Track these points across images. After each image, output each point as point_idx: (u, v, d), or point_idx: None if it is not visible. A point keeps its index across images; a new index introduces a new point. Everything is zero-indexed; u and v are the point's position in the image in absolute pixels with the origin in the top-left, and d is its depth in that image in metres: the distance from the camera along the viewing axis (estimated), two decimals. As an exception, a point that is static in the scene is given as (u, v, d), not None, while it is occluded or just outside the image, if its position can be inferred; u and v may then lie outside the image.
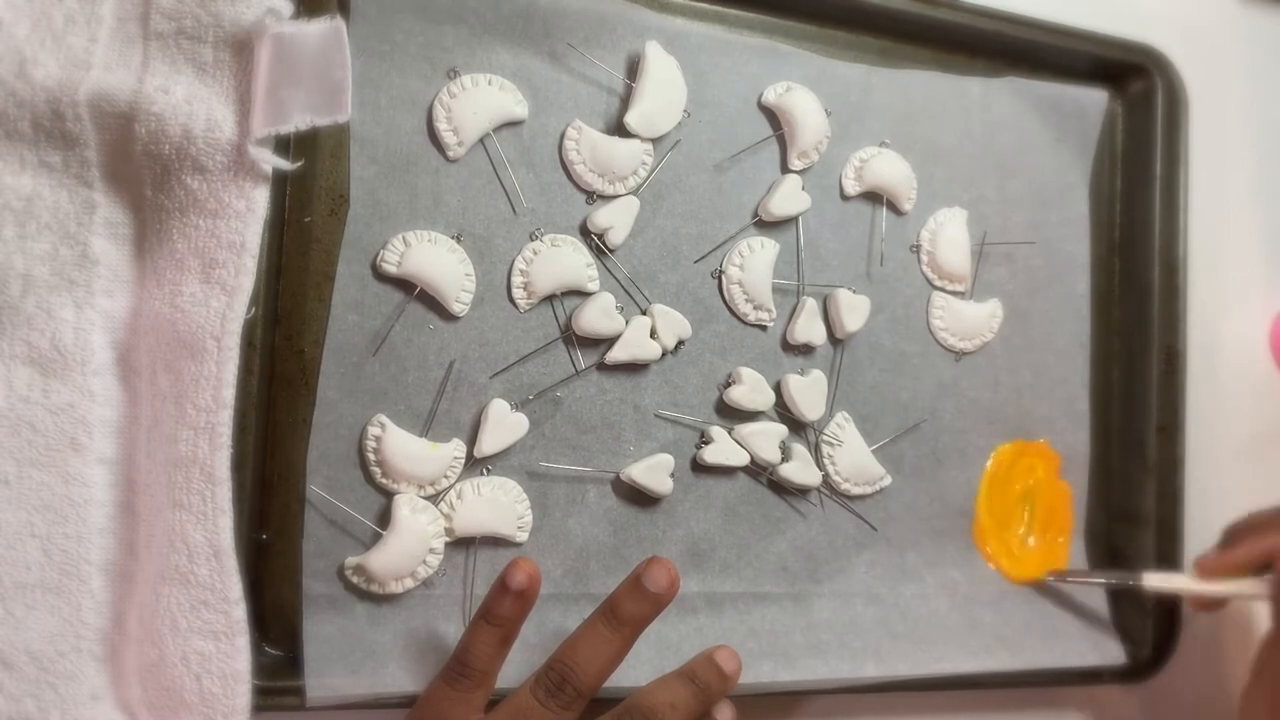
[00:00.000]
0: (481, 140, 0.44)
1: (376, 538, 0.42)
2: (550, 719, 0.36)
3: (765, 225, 0.48)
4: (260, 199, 0.38)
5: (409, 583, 0.42)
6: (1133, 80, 0.56)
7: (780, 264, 0.48)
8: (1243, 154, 0.60)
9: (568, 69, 0.45)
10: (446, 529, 0.43)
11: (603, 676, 0.38)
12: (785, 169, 0.49)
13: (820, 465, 0.49)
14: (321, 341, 0.42)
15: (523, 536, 0.44)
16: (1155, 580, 0.51)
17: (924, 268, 0.51)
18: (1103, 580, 0.53)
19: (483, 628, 0.38)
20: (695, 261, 0.47)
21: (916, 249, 0.51)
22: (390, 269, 0.42)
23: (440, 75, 0.44)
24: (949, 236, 0.51)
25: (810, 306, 0.48)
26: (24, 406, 0.36)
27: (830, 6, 0.50)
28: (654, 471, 0.45)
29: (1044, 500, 0.54)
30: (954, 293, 0.52)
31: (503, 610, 0.38)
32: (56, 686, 0.35)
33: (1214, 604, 0.52)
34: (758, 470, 0.48)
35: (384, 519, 0.42)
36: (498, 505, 0.43)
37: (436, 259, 0.43)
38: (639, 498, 0.46)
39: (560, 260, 0.45)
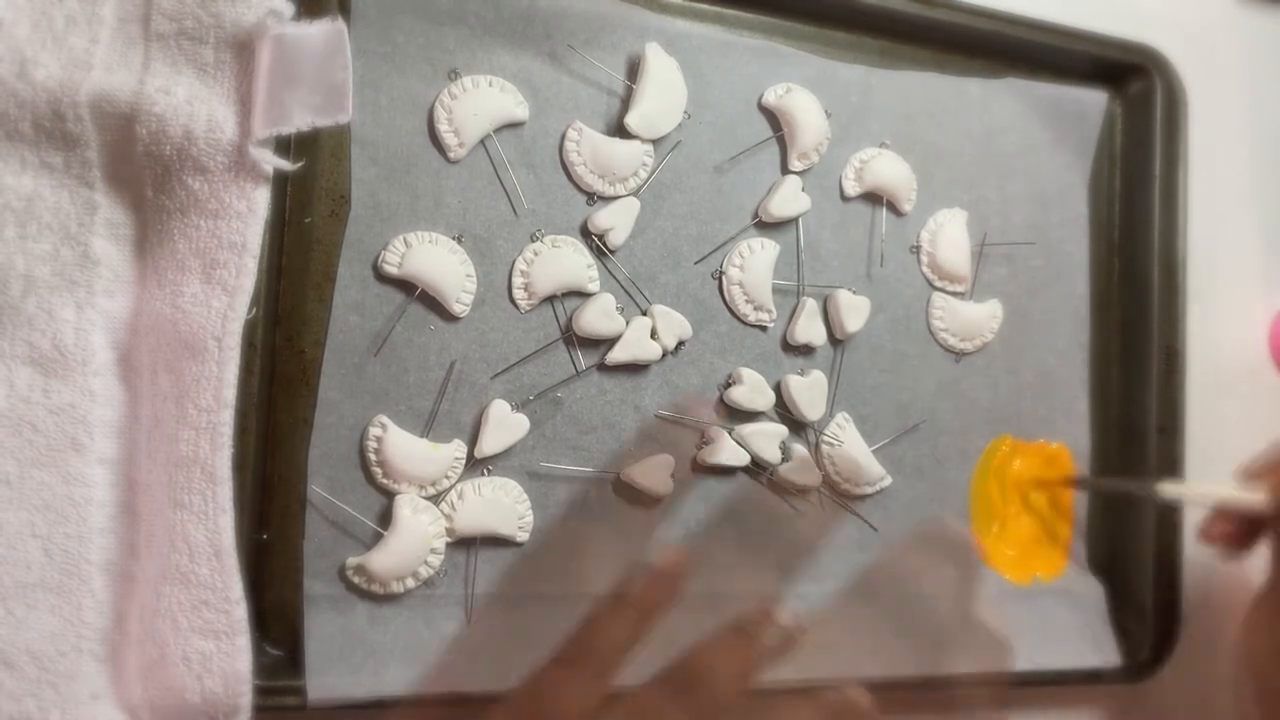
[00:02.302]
0: (482, 141, 0.44)
1: (377, 538, 0.42)
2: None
3: (765, 226, 0.48)
4: (261, 200, 0.38)
5: (410, 583, 0.42)
6: (1132, 81, 0.56)
7: (780, 265, 0.48)
8: (1242, 154, 0.60)
9: (568, 70, 0.45)
10: (447, 529, 0.43)
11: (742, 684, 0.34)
12: (785, 170, 0.49)
13: (820, 465, 0.49)
14: (322, 342, 0.42)
15: (523, 536, 0.44)
16: (1171, 490, 0.49)
17: (924, 268, 0.51)
18: (1119, 485, 0.53)
19: (618, 612, 0.34)
20: (695, 262, 0.47)
21: (916, 250, 0.51)
22: (391, 270, 0.42)
23: (441, 76, 0.44)
24: (949, 237, 0.51)
25: (810, 307, 0.48)
26: (25, 407, 0.36)
27: (830, 7, 0.50)
28: (654, 472, 0.46)
29: (1044, 499, 0.54)
30: (954, 293, 0.52)
31: (645, 591, 0.34)
32: (57, 686, 0.35)
33: (1238, 538, 0.45)
34: (758, 470, 0.48)
35: (385, 519, 0.42)
36: (498, 505, 0.43)
37: (437, 260, 0.43)
38: (639, 498, 0.46)
39: (561, 261, 0.45)
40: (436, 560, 0.42)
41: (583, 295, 0.45)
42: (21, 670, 0.34)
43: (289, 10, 0.38)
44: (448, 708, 0.41)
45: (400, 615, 0.42)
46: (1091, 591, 0.54)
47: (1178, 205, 0.55)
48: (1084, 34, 0.54)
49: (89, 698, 0.35)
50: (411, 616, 0.42)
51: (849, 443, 0.49)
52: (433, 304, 0.43)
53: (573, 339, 0.45)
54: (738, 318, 0.48)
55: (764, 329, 0.48)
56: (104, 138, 0.36)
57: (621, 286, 0.46)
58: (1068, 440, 0.54)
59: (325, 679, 0.40)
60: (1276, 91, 0.61)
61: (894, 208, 0.51)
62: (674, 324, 0.46)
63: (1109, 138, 0.56)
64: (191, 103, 0.37)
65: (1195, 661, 0.55)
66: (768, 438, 0.47)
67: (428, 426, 0.43)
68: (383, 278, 0.43)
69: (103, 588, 0.36)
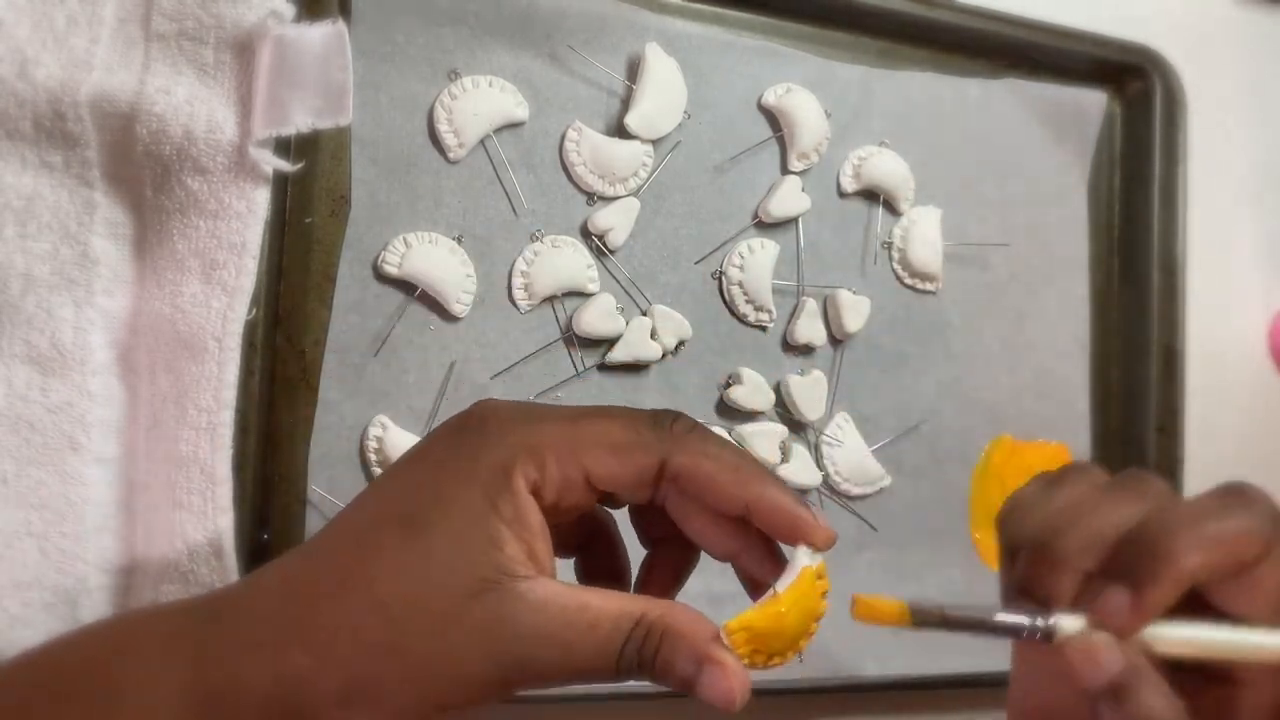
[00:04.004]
0: (482, 142, 0.44)
1: (377, 538, 0.42)
2: None
3: (765, 226, 0.48)
4: (261, 200, 0.38)
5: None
6: (1131, 81, 0.56)
7: (780, 265, 0.48)
8: (1241, 154, 0.60)
9: (568, 71, 0.45)
10: (447, 529, 0.43)
11: None
12: (785, 170, 0.49)
13: (820, 465, 0.49)
14: (323, 342, 0.42)
15: (523, 537, 0.44)
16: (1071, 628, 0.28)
17: (894, 265, 0.51)
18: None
19: None
20: (695, 262, 0.47)
21: (888, 246, 0.51)
22: (391, 270, 0.42)
23: (441, 77, 0.44)
24: (921, 235, 0.51)
25: (810, 307, 0.48)
26: (22, 405, 0.36)
27: (830, 7, 0.50)
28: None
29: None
30: (924, 292, 0.52)
31: None
32: (55, 686, 0.35)
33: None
34: (758, 471, 0.48)
35: (384, 519, 0.42)
36: (498, 506, 0.43)
37: (437, 260, 0.43)
38: (639, 498, 0.46)
39: (561, 261, 0.45)
40: (436, 560, 0.42)
41: (583, 295, 0.45)
42: (19, 670, 0.34)
43: (289, 11, 0.38)
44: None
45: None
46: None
47: (1177, 205, 0.55)
48: (1083, 34, 0.54)
49: (87, 698, 0.35)
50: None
51: (849, 443, 0.49)
52: (433, 304, 0.43)
53: (573, 339, 0.45)
54: (738, 318, 0.48)
55: (764, 329, 0.48)
56: (104, 137, 0.36)
57: (621, 286, 0.46)
58: (1068, 441, 0.54)
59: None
60: (1276, 91, 0.61)
61: (891, 206, 0.51)
62: (674, 324, 0.46)
63: (1108, 138, 0.56)
64: (191, 103, 0.37)
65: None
66: (768, 438, 0.47)
67: (428, 426, 0.43)
68: (383, 278, 0.43)
69: (99, 587, 0.36)
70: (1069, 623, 0.27)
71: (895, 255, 0.51)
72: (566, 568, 0.32)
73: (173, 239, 0.37)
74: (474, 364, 0.44)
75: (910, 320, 0.51)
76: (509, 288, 0.45)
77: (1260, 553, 0.27)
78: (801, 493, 0.48)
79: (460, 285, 0.43)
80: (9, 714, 0.27)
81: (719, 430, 0.47)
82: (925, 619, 0.29)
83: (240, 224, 0.38)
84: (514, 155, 0.45)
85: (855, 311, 0.49)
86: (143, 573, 0.36)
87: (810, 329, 0.48)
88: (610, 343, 0.45)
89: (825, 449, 0.49)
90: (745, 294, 0.47)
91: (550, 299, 0.45)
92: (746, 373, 0.47)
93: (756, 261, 0.47)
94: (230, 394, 0.37)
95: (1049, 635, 0.28)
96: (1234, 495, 0.28)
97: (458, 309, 0.43)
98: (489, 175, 0.44)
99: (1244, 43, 0.61)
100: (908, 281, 0.51)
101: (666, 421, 0.29)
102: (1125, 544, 0.27)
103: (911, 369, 0.51)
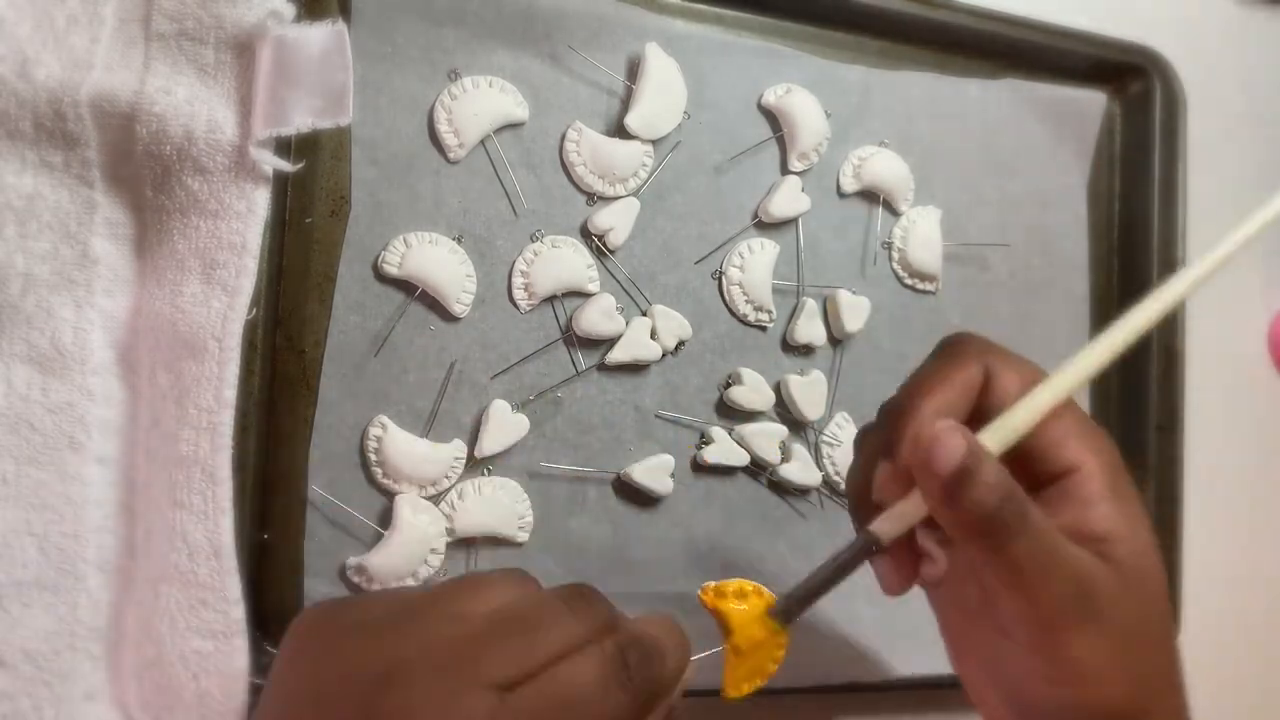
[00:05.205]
0: (482, 142, 0.44)
1: (378, 538, 0.42)
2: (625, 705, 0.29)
3: (765, 226, 0.48)
4: (261, 200, 0.38)
5: (410, 583, 0.42)
6: (1131, 81, 0.56)
7: (780, 265, 0.48)
8: (1241, 154, 0.60)
9: (568, 71, 0.45)
10: (448, 529, 0.43)
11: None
12: (785, 170, 0.49)
13: (820, 465, 0.49)
14: (323, 342, 0.42)
15: (523, 536, 0.44)
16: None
17: (894, 265, 0.51)
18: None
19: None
20: (695, 262, 0.47)
21: (888, 246, 0.51)
22: (391, 270, 0.42)
23: (441, 77, 0.44)
24: (921, 235, 0.51)
25: (810, 307, 0.48)
26: (23, 405, 0.36)
27: (830, 8, 0.50)
28: (654, 472, 0.45)
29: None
30: (924, 292, 0.52)
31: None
32: (52, 685, 0.35)
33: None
34: (758, 470, 0.48)
35: (385, 519, 0.42)
36: (498, 505, 0.43)
37: (437, 260, 0.43)
38: (639, 498, 0.46)
39: (561, 261, 0.45)
40: (437, 560, 0.42)
41: (583, 295, 0.45)
42: (16, 669, 0.34)
43: (290, 11, 0.38)
44: None
45: (400, 615, 0.42)
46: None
47: (1177, 205, 0.55)
48: (1083, 35, 0.54)
49: (83, 697, 0.35)
50: (411, 617, 0.42)
51: (848, 443, 0.49)
52: (433, 304, 0.43)
53: (573, 339, 0.45)
54: (738, 318, 0.48)
55: (764, 329, 0.48)
56: (104, 137, 0.36)
57: (621, 286, 0.46)
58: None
59: (325, 679, 0.40)
60: (1276, 91, 0.61)
61: (891, 207, 0.51)
62: (674, 324, 0.46)
63: (1108, 138, 0.56)
64: (192, 103, 0.37)
65: (1194, 662, 0.54)
66: (768, 438, 0.47)
67: (428, 426, 0.43)
68: (383, 278, 0.43)
69: (99, 586, 0.36)
70: (882, 524, 0.33)
71: (895, 255, 0.51)
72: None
73: (173, 239, 0.38)
74: (474, 364, 0.44)
75: (910, 320, 0.51)
76: (509, 288, 0.45)
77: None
78: (801, 492, 0.48)
79: (460, 285, 0.43)
80: None
81: (719, 430, 0.47)
82: (789, 613, 0.34)
83: (240, 224, 0.38)
84: (514, 155, 0.45)
85: (855, 311, 0.49)
86: (142, 573, 0.36)
87: (810, 329, 0.48)
88: (610, 343, 0.45)
89: (825, 449, 0.49)
90: (745, 294, 0.48)
91: (550, 299, 0.45)
92: (746, 373, 0.47)
93: (756, 261, 0.47)
94: (230, 394, 0.37)
95: (875, 540, 0.33)
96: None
97: (458, 309, 0.43)
98: (489, 175, 0.44)
99: (1244, 43, 0.61)
100: (907, 282, 0.51)
101: (593, 615, 0.31)
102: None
103: (911, 369, 0.51)
